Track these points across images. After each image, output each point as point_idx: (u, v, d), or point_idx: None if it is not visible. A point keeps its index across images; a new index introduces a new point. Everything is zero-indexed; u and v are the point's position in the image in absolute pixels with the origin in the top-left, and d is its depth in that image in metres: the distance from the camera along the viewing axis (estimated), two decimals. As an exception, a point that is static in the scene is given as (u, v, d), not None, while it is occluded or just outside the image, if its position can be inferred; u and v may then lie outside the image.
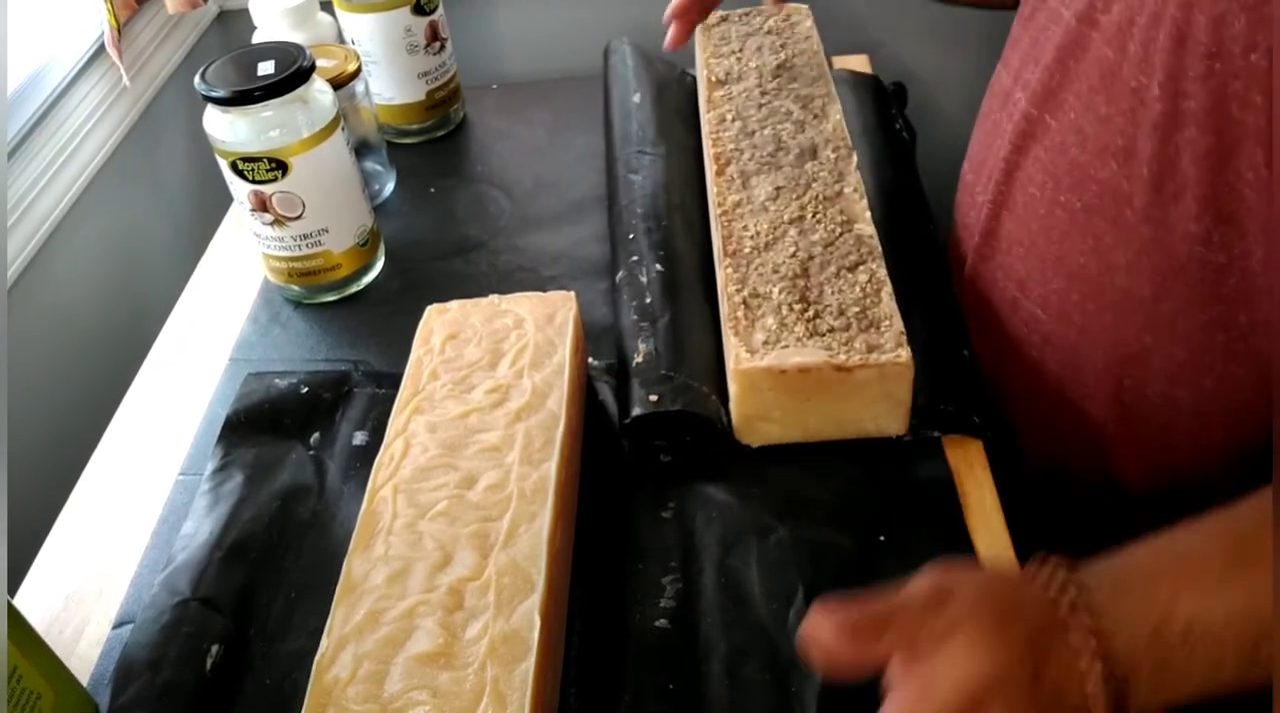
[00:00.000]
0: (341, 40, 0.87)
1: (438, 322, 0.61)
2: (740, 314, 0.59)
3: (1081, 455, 0.66)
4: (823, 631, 0.42)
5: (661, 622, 0.52)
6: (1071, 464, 0.67)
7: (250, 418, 0.65)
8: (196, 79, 0.67)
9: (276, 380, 0.67)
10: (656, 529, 0.57)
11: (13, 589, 0.59)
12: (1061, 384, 0.64)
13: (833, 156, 0.69)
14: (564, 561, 0.53)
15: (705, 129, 0.75)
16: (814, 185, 0.67)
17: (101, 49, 0.90)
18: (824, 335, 0.57)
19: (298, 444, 0.64)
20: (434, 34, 0.87)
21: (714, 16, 0.86)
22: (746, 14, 0.86)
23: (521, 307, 0.61)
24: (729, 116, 0.74)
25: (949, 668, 0.39)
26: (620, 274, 0.69)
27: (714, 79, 0.79)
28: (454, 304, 0.62)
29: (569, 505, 0.55)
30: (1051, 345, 0.63)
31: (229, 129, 0.67)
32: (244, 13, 0.87)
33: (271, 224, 0.71)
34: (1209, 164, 0.50)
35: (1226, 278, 0.53)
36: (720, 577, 0.54)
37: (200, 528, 0.58)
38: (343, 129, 0.71)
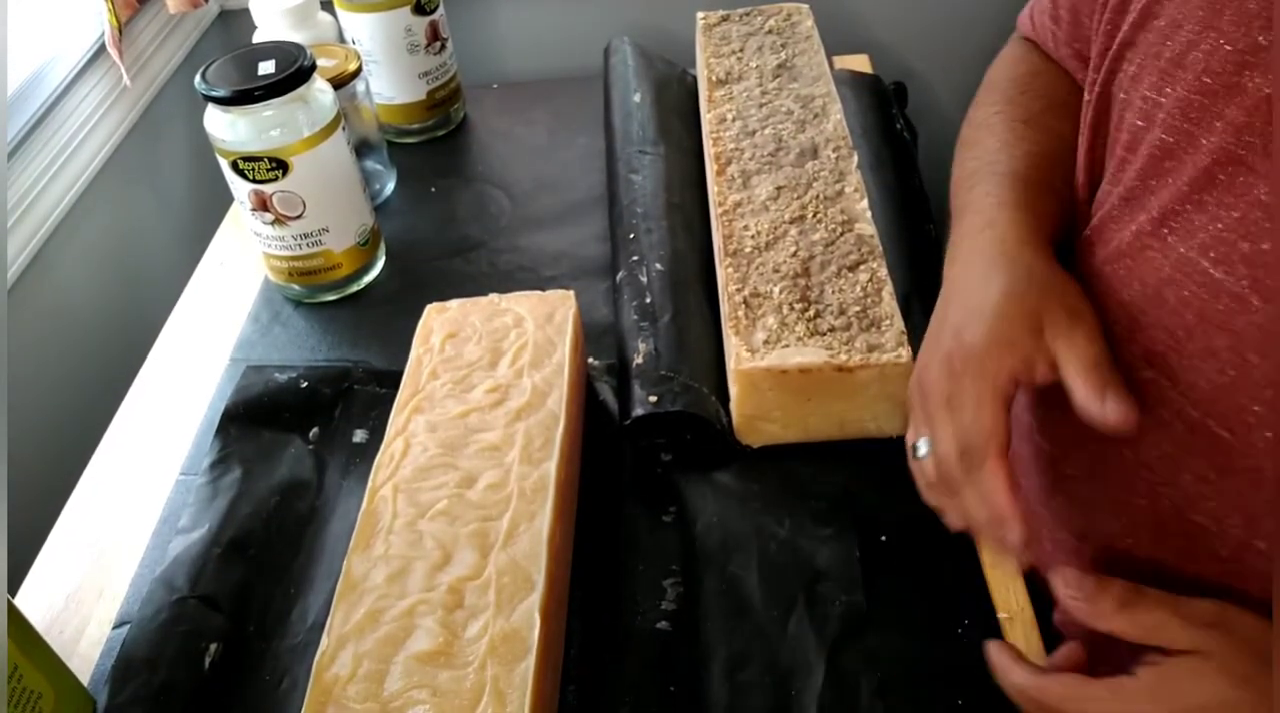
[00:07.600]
0: (342, 40, 0.87)
1: (437, 321, 0.61)
2: (741, 314, 0.59)
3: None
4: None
5: (663, 624, 0.52)
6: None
7: (249, 410, 0.65)
8: (197, 79, 0.67)
9: (276, 374, 0.67)
10: (657, 533, 0.57)
11: (13, 589, 0.59)
12: None
13: (833, 156, 0.69)
14: (564, 559, 0.52)
15: (706, 129, 0.75)
16: (814, 185, 0.67)
17: (102, 49, 0.90)
18: (825, 335, 0.57)
19: (297, 437, 0.64)
20: (434, 34, 0.87)
21: (714, 16, 0.86)
22: (747, 14, 0.86)
23: (521, 306, 0.61)
24: (729, 116, 0.74)
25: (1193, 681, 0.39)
26: (620, 274, 0.69)
27: (714, 79, 0.79)
28: (454, 303, 0.62)
29: (569, 504, 0.55)
30: None
31: (230, 129, 0.67)
32: (245, 12, 0.87)
33: (272, 224, 0.71)
34: None
35: None
36: (721, 581, 0.54)
37: (198, 523, 0.58)
38: (343, 129, 0.71)
